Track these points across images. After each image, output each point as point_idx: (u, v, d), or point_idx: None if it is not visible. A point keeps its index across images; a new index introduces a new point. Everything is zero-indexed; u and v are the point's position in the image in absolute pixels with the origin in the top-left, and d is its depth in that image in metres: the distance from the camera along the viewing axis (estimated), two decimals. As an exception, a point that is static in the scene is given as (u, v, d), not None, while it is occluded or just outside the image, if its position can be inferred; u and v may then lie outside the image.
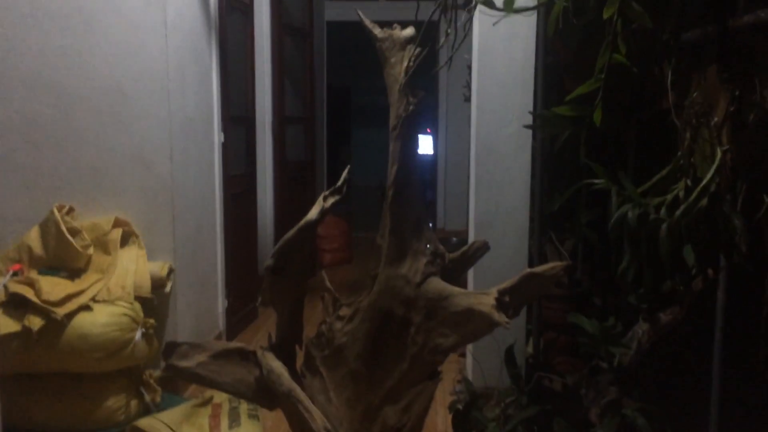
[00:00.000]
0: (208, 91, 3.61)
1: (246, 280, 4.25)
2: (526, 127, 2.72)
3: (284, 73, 5.21)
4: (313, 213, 2.13)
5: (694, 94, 2.10)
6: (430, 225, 7.80)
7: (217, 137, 3.73)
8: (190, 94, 3.34)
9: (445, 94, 7.71)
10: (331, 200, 2.18)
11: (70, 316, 2.67)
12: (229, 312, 3.91)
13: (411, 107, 2.38)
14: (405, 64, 2.41)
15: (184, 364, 2.04)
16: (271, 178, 5.17)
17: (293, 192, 5.39)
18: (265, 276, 2.11)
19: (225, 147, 3.82)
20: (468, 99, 6.81)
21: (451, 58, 2.32)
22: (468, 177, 7.30)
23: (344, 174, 2.25)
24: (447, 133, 7.85)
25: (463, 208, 7.22)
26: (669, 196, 2.13)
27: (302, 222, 2.12)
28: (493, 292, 2.22)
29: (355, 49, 8.86)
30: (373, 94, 12.54)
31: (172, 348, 2.04)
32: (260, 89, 4.88)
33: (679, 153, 2.15)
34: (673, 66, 2.23)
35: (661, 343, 2.63)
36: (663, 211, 2.07)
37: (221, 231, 3.79)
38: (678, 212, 1.99)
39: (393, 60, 2.47)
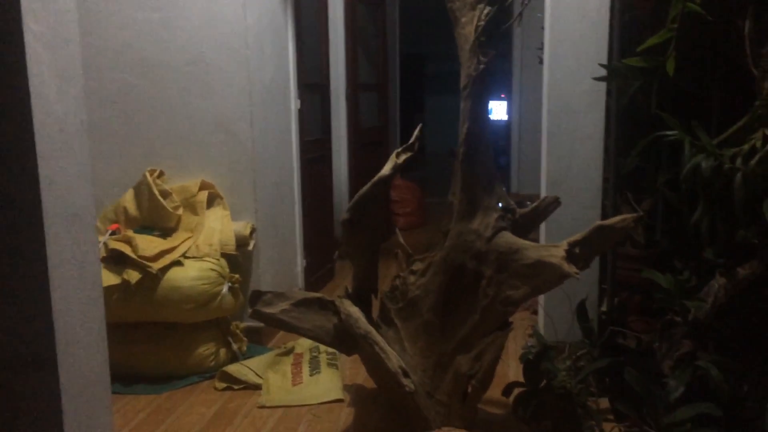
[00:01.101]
0: (284, 60, 3.74)
1: (323, 241, 4.42)
2: (597, 79, 2.70)
3: (357, 40, 5.30)
4: (387, 169, 2.23)
5: (773, 42, 2.05)
6: (504, 189, 7.83)
7: (294, 104, 3.87)
8: (268, 63, 3.47)
9: (520, 57, 7.61)
10: (403, 156, 2.27)
11: (164, 270, 2.88)
12: (308, 271, 4.08)
13: (481, 66, 2.44)
14: (475, 23, 2.46)
15: (268, 310, 2.20)
16: (346, 144, 5.30)
17: (367, 157, 5.50)
18: (342, 229, 2.24)
19: (301, 113, 3.96)
20: (542, 61, 6.69)
21: (521, 14, 2.34)
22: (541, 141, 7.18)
23: (416, 132, 2.33)
24: (521, 98, 7.76)
25: (537, 173, 7.18)
26: (746, 146, 2.11)
27: (376, 177, 2.22)
28: (563, 244, 2.27)
29: (429, 16, 8.86)
30: (446, 61, 12.47)
31: (257, 296, 2.20)
32: (334, 57, 4.99)
33: (757, 102, 2.11)
34: (751, 15, 2.18)
35: (738, 297, 2.60)
36: (738, 161, 2.05)
37: (299, 194, 3.94)
38: (753, 161, 1.97)
39: (464, 20, 2.52)
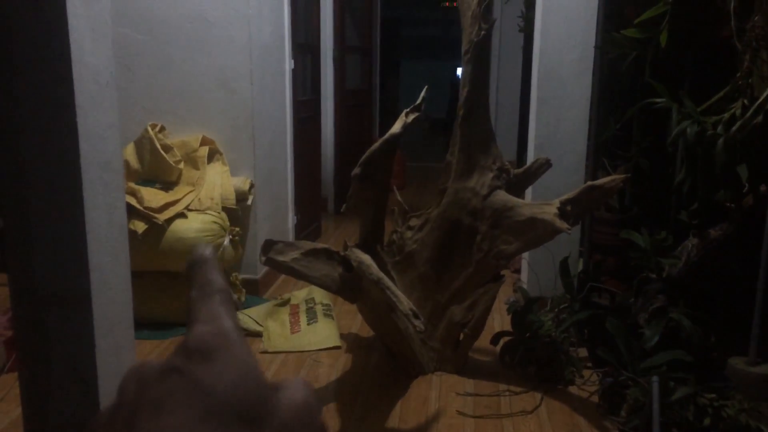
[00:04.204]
0: (280, 19, 3.79)
1: (311, 199, 4.54)
2: (596, 48, 2.85)
3: (345, 2, 5.35)
4: (397, 127, 2.36)
5: (755, 18, 2.22)
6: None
7: (288, 64, 3.94)
8: (266, 22, 3.54)
9: (498, 25, 7.72)
10: (412, 116, 2.40)
11: (169, 221, 2.98)
12: (298, 228, 4.21)
13: (483, 32, 2.56)
14: (477, -10, 2.57)
15: (280, 258, 2.33)
16: (332, 105, 5.38)
17: (351, 118, 5.60)
18: (352, 183, 2.36)
19: (294, 73, 4.03)
20: (522, 30, 6.82)
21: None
22: (519, 108, 7.31)
23: (423, 93, 2.46)
24: (499, 65, 7.89)
25: (515, 139, 7.37)
26: (726, 114, 2.29)
27: (387, 134, 2.35)
28: (555, 202, 2.45)
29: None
30: (421, 26, 12.51)
31: (270, 245, 2.32)
32: (323, 19, 5.04)
33: (738, 73, 2.29)
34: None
35: (709, 256, 2.82)
36: (720, 127, 2.23)
37: (291, 152, 4.04)
38: (734, 128, 2.16)
39: (466, -13, 2.63)
